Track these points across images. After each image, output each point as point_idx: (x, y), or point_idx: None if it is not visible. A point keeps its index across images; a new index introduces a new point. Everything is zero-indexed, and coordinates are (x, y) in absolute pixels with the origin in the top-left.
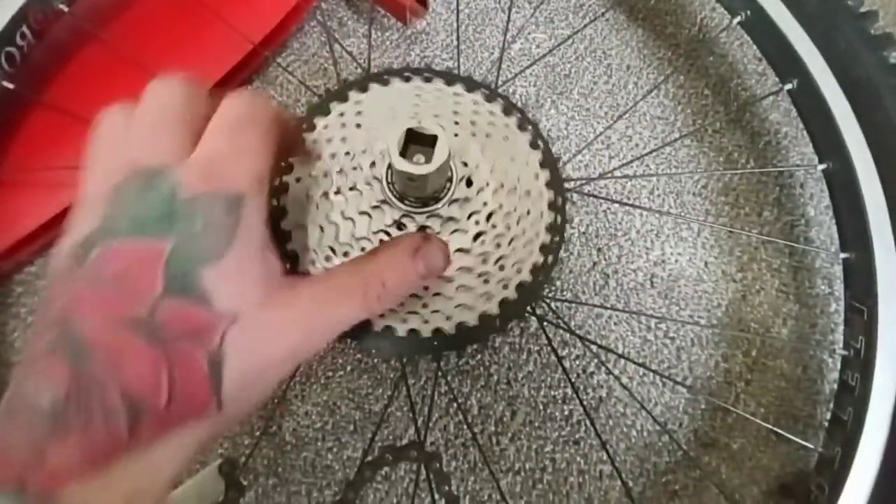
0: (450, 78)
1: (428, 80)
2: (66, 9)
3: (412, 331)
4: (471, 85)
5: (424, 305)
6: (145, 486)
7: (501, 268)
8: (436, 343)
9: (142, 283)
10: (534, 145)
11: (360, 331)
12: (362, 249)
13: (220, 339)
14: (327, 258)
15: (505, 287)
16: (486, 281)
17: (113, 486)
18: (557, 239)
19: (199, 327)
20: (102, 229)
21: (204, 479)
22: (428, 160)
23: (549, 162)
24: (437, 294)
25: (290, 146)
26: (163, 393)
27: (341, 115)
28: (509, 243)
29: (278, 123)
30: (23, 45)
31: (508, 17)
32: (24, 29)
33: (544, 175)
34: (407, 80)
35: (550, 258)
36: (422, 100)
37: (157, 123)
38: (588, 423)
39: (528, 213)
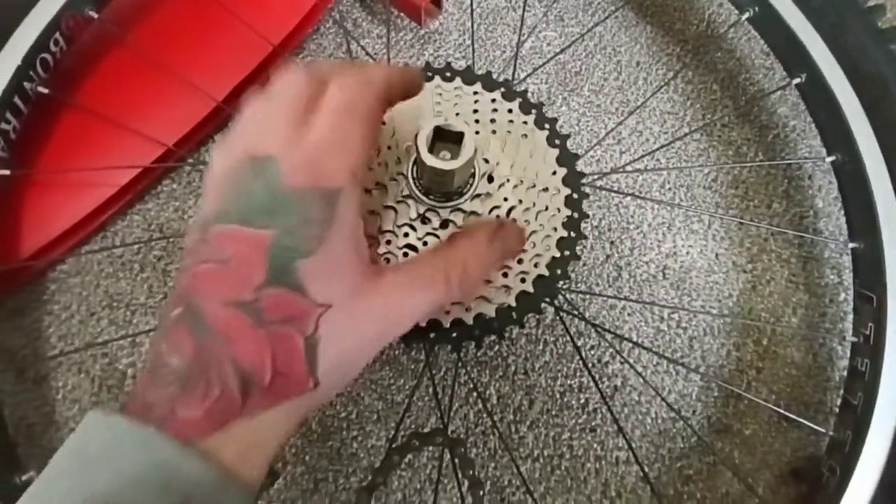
0: (469, 77)
1: (448, 78)
2: (95, 15)
3: (433, 321)
4: (489, 83)
5: None
6: (255, 445)
7: (520, 261)
8: (455, 334)
9: (248, 269)
10: (551, 142)
11: None
12: (388, 242)
13: (315, 326)
14: None
15: (523, 280)
16: (504, 274)
17: (228, 444)
18: (574, 234)
19: (296, 314)
20: (219, 213)
21: None
22: (454, 156)
23: (566, 158)
24: None
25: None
26: (267, 370)
27: None
28: (528, 238)
29: (381, 102)
30: (56, 51)
31: (522, 16)
32: (57, 35)
33: (561, 171)
34: (428, 79)
35: (567, 252)
36: (443, 98)
37: (271, 115)
38: (604, 410)
39: (546, 208)
